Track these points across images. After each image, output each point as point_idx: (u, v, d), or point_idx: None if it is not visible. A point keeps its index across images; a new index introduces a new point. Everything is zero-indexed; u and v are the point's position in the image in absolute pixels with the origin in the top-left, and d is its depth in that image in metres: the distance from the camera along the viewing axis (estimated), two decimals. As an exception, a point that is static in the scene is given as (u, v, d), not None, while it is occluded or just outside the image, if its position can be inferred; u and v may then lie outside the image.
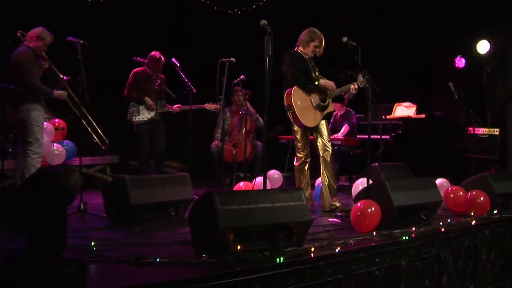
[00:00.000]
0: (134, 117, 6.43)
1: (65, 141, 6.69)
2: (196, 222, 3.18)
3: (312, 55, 5.28)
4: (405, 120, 7.69)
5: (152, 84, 6.37)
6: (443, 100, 8.94)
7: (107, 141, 6.70)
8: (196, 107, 6.11)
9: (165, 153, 6.63)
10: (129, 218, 4.21)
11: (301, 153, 5.25)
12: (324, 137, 5.27)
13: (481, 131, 7.48)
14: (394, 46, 9.11)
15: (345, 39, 5.11)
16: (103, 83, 6.91)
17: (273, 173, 7.25)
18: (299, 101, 5.07)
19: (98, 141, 6.60)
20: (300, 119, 5.05)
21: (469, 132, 7.67)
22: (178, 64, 6.03)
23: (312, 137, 5.38)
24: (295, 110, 5.02)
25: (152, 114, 6.41)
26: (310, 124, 5.15)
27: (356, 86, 5.29)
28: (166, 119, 6.60)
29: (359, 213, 4.08)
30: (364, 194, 4.37)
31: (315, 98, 5.19)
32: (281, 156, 7.87)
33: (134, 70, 6.49)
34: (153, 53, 6.43)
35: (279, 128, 8.67)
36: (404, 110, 7.96)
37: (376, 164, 6.88)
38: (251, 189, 5.53)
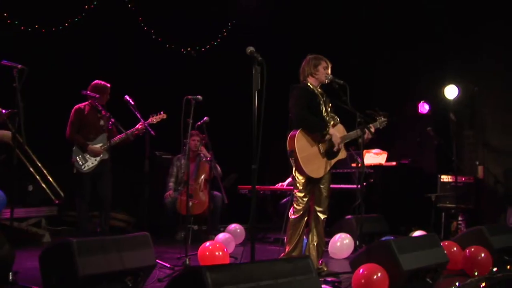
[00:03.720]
0: (82, 167, 5.56)
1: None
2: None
3: (327, 81, 4.56)
4: (377, 168, 7.20)
5: (98, 120, 5.66)
6: (407, 146, 8.59)
7: (62, 194, 5.74)
8: (142, 127, 5.37)
9: (111, 202, 5.75)
10: (75, 292, 3.28)
11: (301, 204, 4.44)
12: (325, 190, 4.53)
13: (456, 179, 7.08)
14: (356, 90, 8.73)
15: (330, 77, 4.53)
16: (41, 118, 6.07)
17: (235, 228, 6.55)
18: (304, 147, 4.33)
19: (51, 194, 5.59)
20: (303, 168, 4.30)
21: (442, 180, 7.29)
22: (132, 102, 5.23)
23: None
24: (299, 158, 4.27)
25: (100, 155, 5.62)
26: (314, 174, 4.39)
27: (373, 130, 4.66)
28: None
29: (363, 281, 3.40)
30: (364, 256, 3.69)
31: (323, 144, 4.46)
32: (240, 208, 7.23)
33: (76, 106, 5.72)
34: (96, 81, 5.70)
35: (232, 177, 8.00)
36: (374, 157, 7.48)
37: (350, 216, 6.31)
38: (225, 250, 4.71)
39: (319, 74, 4.56)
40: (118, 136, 5.67)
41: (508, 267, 4.80)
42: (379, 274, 3.40)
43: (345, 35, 8.64)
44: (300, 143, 4.31)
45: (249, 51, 3.20)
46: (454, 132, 7.64)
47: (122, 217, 7.29)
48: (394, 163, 7.44)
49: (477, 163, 7.88)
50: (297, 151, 4.27)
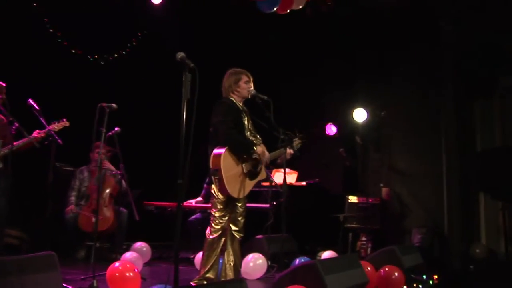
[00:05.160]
0: None
1: None
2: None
3: (250, 96, 4.42)
4: (288, 187, 7.18)
5: None
6: (315, 167, 8.69)
7: None
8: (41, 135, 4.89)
9: (6, 217, 5.19)
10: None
11: (219, 224, 4.24)
12: (241, 208, 4.39)
13: (365, 200, 7.26)
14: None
15: (253, 92, 4.42)
16: None
17: (141, 246, 6.21)
18: (229, 166, 4.16)
19: None
20: (227, 188, 4.12)
21: (349, 201, 7.45)
22: (37, 107, 4.77)
23: None
24: (223, 178, 4.09)
25: None
26: (237, 194, 4.23)
27: (292, 151, 4.66)
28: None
29: (289, 303, 3.27)
30: (288, 278, 3.58)
31: (247, 164, 4.31)
32: (145, 225, 6.88)
33: None
34: None
35: (136, 192, 7.64)
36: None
37: (260, 236, 6.23)
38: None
39: (240, 89, 4.44)
40: (17, 142, 5.12)
41: (415, 285, 4.96)
42: (304, 296, 3.31)
43: (252, 52, 8.57)
44: (226, 161, 4.15)
45: (179, 57, 3.02)
46: (360, 154, 7.89)
47: (15, 234, 6.59)
48: (304, 183, 7.48)
49: (381, 185, 8.13)
50: (222, 170, 4.10)
